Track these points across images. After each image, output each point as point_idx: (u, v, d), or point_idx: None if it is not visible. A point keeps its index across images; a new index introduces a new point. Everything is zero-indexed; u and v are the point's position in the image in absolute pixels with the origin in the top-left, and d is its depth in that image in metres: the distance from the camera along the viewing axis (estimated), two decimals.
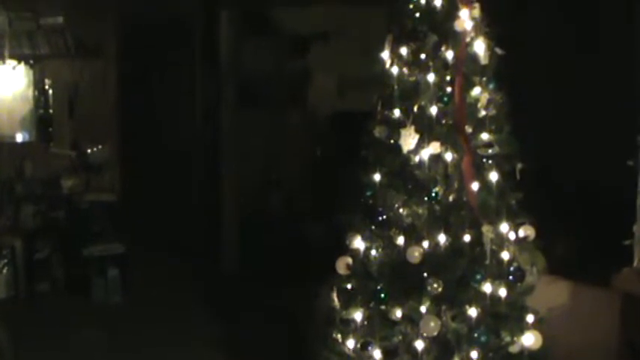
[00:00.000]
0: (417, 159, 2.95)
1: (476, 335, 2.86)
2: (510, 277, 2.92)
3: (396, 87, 3.03)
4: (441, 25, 2.96)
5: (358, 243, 3.07)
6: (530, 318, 2.97)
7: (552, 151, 5.33)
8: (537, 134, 4.55)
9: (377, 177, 3.06)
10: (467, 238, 2.91)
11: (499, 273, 2.90)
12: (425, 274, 2.88)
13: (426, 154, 2.93)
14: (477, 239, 2.89)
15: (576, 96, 5.40)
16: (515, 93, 3.03)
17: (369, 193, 3.07)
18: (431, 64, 2.96)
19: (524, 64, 4.45)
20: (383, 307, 2.96)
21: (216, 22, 6.80)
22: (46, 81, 6.46)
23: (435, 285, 2.83)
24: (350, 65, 6.60)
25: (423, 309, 2.86)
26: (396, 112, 3.02)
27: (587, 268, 4.03)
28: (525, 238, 2.98)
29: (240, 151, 6.94)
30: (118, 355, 5.09)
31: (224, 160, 6.95)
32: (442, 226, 2.91)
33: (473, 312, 2.86)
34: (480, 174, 2.94)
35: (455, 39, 2.93)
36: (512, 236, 2.94)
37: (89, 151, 6.55)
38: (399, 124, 2.98)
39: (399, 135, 2.96)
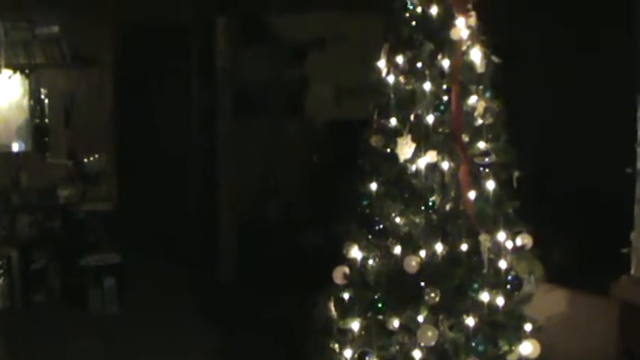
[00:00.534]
0: (413, 168, 2.94)
1: (473, 344, 2.85)
2: (508, 286, 2.91)
3: (392, 96, 3.03)
4: (437, 33, 2.95)
5: (355, 252, 3.06)
6: (528, 327, 2.97)
7: (550, 159, 5.33)
8: (535, 142, 4.55)
9: (374, 186, 3.06)
10: (464, 247, 2.90)
11: (497, 282, 2.89)
12: (422, 284, 2.87)
13: (422, 163, 2.92)
14: (475, 248, 2.89)
15: (574, 103, 5.41)
16: (512, 101, 3.03)
17: (365, 203, 3.07)
18: (427, 72, 2.96)
19: (521, 71, 4.46)
20: (380, 316, 2.95)
21: (213, 30, 6.80)
22: (42, 90, 6.45)
23: (433, 294, 2.82)
24: (347, 73, 6.61)
25: (420, 318, 2.85)
26: (393, 121, 3.02)
27: (585, 276, 4.02)
28: (523, 246, 2.97)
29: (237, 159, 6.93)
30: None
31: (221, 168, 6.94)
32: (439, 235, 2.91)
33: (470, 321, 2.85)
34: (476, 183, 2.93)
35: (451, 47, 2.93)
36: (509, 245, 2.93)
37: (85, 160, 6.53)
38: (396, 133, 2.98)
39: (395, 144, 2.95)
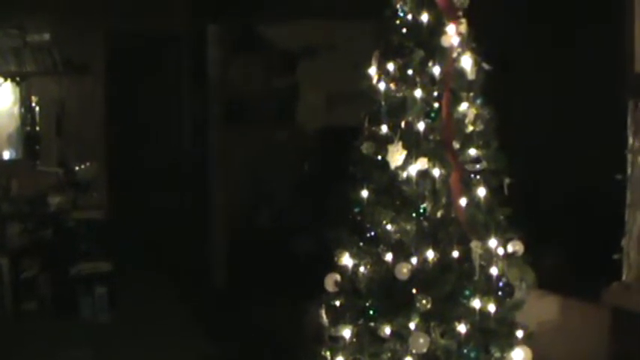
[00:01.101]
0: (404, 175, 2.94)
1: (465, 351, 2.84)
2: (499, 293, 2.91)
3: (383, 103, 3.02)
4: (428, 40, 2.95)
5: (346, 260, 3.05)
6: (519, 333, 2.96)
7: (541, 165, 5.34)
8: (525, 148, 4.56)
9: (364, 193, 3.05)
10: (455, 253, 2.90)
11: (488, 288, 2.89)
12: (414, 291, 2.87)
13: (413, 170, 2.92)
14: (466, 255, 2.88)
15: (564, 110, 5.42)
16: (503, 108, 3.03)
17: (356, 210, 3.06)
18: (418, 79, 2.95)
19: (511, 78, 4.47)
20: (372, 323, 2.94)
21: (204, 39, 6.80)
22: (33, 98, 6.44)
23: (424, 301, 2.82)
24: (338, 81, 6.61)
25: (412, 325, 2.84)
26: (384, 128, 3.01)
27: (577, 282, 4.02)
28: (514, 253, 2.97)
29: (229, 166, 6.92)
30: None
31: (213, 176, 6.93)
32: (430, 242, 2.90)
33: (462, 328, 2.84)
34: (468, 189, 2.93)
35: (442, 54, 2.93)
36: (500, 251, 2.93)
37: (77, 168, 6.52)
38: (387, 140, 2.97)
39: (386, 151, 2.95)
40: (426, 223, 2.92)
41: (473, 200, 2.93)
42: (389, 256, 2.95)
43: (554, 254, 4.55)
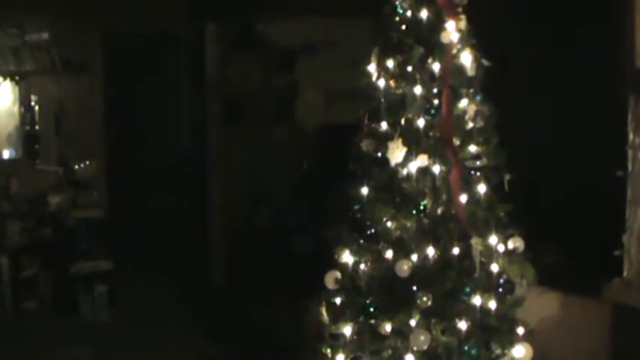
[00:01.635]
0: (404, 172, 2.94)
1: (466, 348, 2.84)
2: (500, 290, 2.90)
3: (382, 100, 3.02)
4: (428, 37, 2.95)
5: (347, 257, 3.05)
6: (520, 330, 2.96)
7: (541, 161, 5.33)
8: (526, 145, 4.55)
9: (364, 190, 3.05)
10: (456, 250, 2.90)
11: (489, 285, 2.88)
12: (414, 288, 2.86)
13: (413, 167, 2.92)
14: (466, 252, 2.88)
15: (565, 105, 5.41)
16: (503, 104, 3.03)
17: (356, 207, 3.06)
18: (417, 76, 2.95)
19: (511, 74, 4.46)
20: (372, 321, 2.94)
21: (203, 37, 6.80)
22: (32, 97, 6.43)
23: (425, 298, 2.82)
24: (337, 78, 6.60)
25: (412, 323, 2.84)
26: (383, 125, 3.01)
27: (578, 279, 4.01)
28: (514, 249, 2.97)
29: (228, 165, 6.92)
30: None
31: (212, 175, 6.93)
32: (431, 239, 2.90)
33: (463, 325, 2.84)
34: (468, 186, 2.93)
35: (441, 51, 2.93)
36: (501, 248, 2.93)
37: (76, 167, 6.51)
38: (387, 137, 2.97)
39: (386, 148, 2.95)
40: (426, 220, 2.92)
41: (473, 197, 2.93)
42: (389, 254, 2.95)
43: (555, 251, 4.54)
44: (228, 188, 6.95)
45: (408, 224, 2.93)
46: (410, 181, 2.92)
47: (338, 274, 3.09)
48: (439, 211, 2.94)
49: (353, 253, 3.04)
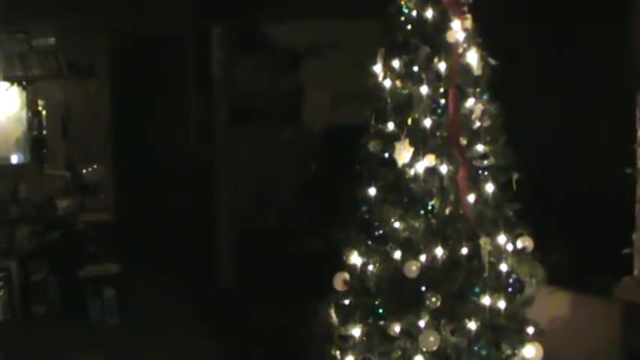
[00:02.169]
0: (412, 172, 2.93)
1: (476, 349, 2.83)
2: (509, 289, 2.89)
3: (389, 100, 3.01)
4: (433, 36, 2.94)
5: (355, 258, 3.04)
6: (530, 330, 2.95)
7: (549, 160, 5.31)
8: (534, 143, 4.54)
9: (372, 191, 3.04)
10: (464, 250, 2.88)
11: (498, 285, 2.87)
12: (423, 289, 2.85)
13: (421, 167, 2.91)
14: (475, 252, 2.87)
15: (573, 103, 5.39)
16: (510, 102, 3.01)
17: (364, 208, 3.05)
18: (424, 76, 2.94)
19: (518, 72, 4.44)
20: (381, 322, 2.93)
21: (208, 40, 6.80)
22: (40, 102, 6.45)
23: (434, 299, 2.81)
24: (343, 79, 6.59)
25: (421, 323, 2.83)
26: (390, 126, 3.00)
27: (587, 278, 4.00)
28: (524, 249, 2.95)
29: (235, 167, 6.92)
30: None
31: (219, 177, 6.93)
32: (439, 240, 2.89)
33: (472, 325, 2.83)
34: (475, 186, 2.92)
35: (447, 50, 2.92)
36: (510, 248, 2.91)
37: (84, 171, 6.53)
38: (393, 138, 2.96)
39: (393, 148, 2.93)
40: (434, 221, 2.91)
41: (481, 196, 2.92)
42: (397, 254, 2.94)
43: (565, 250, 4.52)
44: (235, 190, 6.95)
45: (416, 225, 2.92)
46: (417, 182, 2.91)
47: (346, 276, 3.08)
48: (447, 211, 2.92)
49: (361, 254, 3.03)
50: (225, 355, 5.28)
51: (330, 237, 3.20)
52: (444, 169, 2.91)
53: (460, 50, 2.92)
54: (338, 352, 3.04)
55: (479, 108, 2.96)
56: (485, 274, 2.85)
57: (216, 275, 6.88)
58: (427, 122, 2.92)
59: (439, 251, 2.88)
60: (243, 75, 7.08)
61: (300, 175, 7.16)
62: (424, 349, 2.81)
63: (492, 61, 2.99)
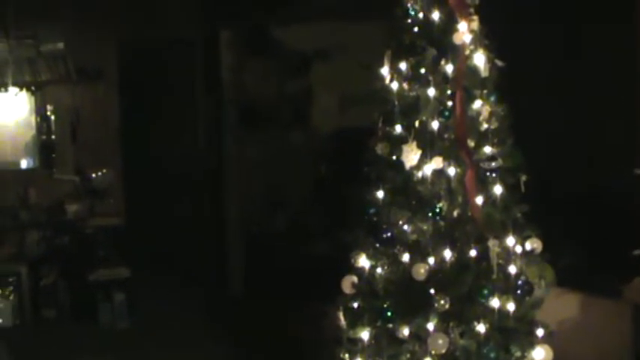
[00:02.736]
0: (419, 175, 2.92)
1: (485, 351, 2.82)
2: (518, 291, 2.89)
3: (396, 103, 3.01)
4: (440, 38, 2.94)
5: (363, 261, 3.04)
6: (539, 332, 2.94)
7: (558, 161, 5.30)
8: (542, 144, 4.53)
9: (380, 194, 3.04)
10: (473, 253, 2.88)
11: (507, 287, 2.87)
12: (431, 291, 2.85)
13: (428, 169, 2.90)
14: (483, 254, 2.86)
15: (581, 104, 5.38)
16: (517, 104, 3.01)
17: (372, 211, 3.05)
18: (431, 78, 2.94)
19: (525, 74, 4.43)
20: (390, 325, 2.93)
21: (217, 44, 6.81)
22: (48, 107, 6.48)
23: (442, 301, 2.80)
24: (351, 82, 6.59)
25: (430, 326, 2.82)
26: (398, 128, 3.00)
27: (597, 279, 3.98)
28: (532, 250, 2.95)
29: (244, 171, 6.92)
30: None
31: (228, 181, 6.94)
32: (447, 242, 2.89)
33: (481, 328, 2.82)
34: (483, 188, 2.91)
35: (454, 52, 2.91)
36: (519, 250, 2.91)
37: (93, 175, 6.54)
38: (401, 140, 2.96)
39: (400, 151, 2.93)
40: (442, 223, 2.91)
41: (489, 198, 2.91)
42: (406, 257, 2.94)
43: (574, 251, 4.51)
44: (245, 194, 6.95)
45: (424, 227, 2.92)
46: (425, 184, 2.91)
47: (355, 279, 3.08)
48: (455, 213, 2.92)
49: (369, 257, 3.03)
50: (234, 359, 5.28)
51: (339, 240, 3.20)
52: (451, 171, 2.91)
53: (467, 52, 2.92)
54: (347, 355, 3.03)
55: (486, 110, 2.95)
56: (494, 276, 2.85)
57: (227, 279, 6.87)
58: (434, 124, 2.92)
59: (447, 253, 2.87)
60: (252, 78, 7.08)
61: (308, 177, 7.15)
62: (433, 352, 2.80)
63: (499, 63, 2.98)
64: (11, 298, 6.08)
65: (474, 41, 2.93)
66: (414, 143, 2.91)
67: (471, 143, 2.92)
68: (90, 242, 6.31)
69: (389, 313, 2.93)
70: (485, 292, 2.84)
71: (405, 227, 2.95)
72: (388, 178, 3.03)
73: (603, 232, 4.72)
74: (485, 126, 2.96)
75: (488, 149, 2.94)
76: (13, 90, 6.32)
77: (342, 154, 6.62)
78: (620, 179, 3.65)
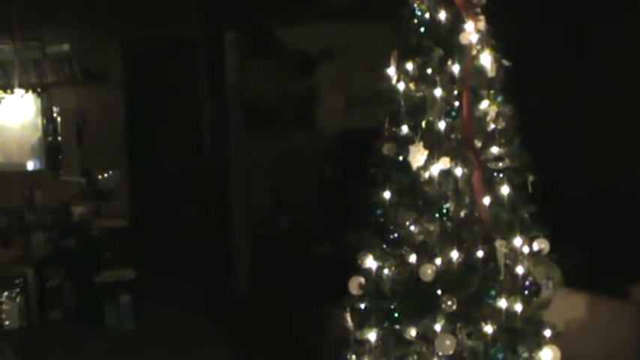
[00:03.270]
0: (426, 175, 2.92)
1: (492, 352, 2.81)
2: (526, 292, 2.87)
3: (402, 103, 3.00)
4: (446, 38, 2.93)
5: (370, 262, 3.03)
6: (547, 333, 2.93)
7: (564, 162, 5.29)
8: (549, 144, 4.51)
9: (387, 195, 3.03)
10: (480, 253, 2.87)
11: (514, 288, 2.85)
12: (439, 292, 2.84)
13: (435, 170, 2.89)
14: (491, 254, 2.85)
15: (587, 104, 5.37)
16: (524, 104, 3.00)
17: (379, 212, 3.04)
18: (437, 78, 2.93)
19: (532, 73, 4.42)
20: (397, 326, 2.92)
21: (221, 44, 6.81)
22: (54, 109, 6.50)
23: (450, 302, 2.79)
24: (356, 83, 6.58)
25: (437, 327, 2.81)
26: (404, 129, 2.99)
27: (605, 279, 3.97)
28: (540, 251, 2.94)
29: (249, 173, 6.92)
30: None
31: (233, 182, 6.93)
32: (454, 243, 2.87)
33: (489, 329, 2.81)
34: (490, 188, 2.90)
35: (461, 52, 2.90)
36: (526, 250, 2.90)
37: (99, 177, 6.55)
38: (408, 141, 2.95)
39: (407, 151, 2.93)
40: (449, 224, 2.90)
41: (496, 199, 2.90)
42: (413, 258, 2.93)
43: (582, 251, 4.49)
44: (250, 195, 6.95)
45: (432, 228, 2.91)
46: (432, 185, 2.90)
47: (362, 280, 3.07)
48: (462, 213, 2.91)
49: (376, 258, 3.02)
50: None
51: (345, 241, 3.20)
52: (458, 171, 2.90)
53: (474, 52, 2.91)
54: (354, 357, 3.03)
55: (493, 110, 2.94)
56: (501, 277, 2.84)
57: (232, 280, 6.87)
58: (441, 125, 2.91)
59: (454, 254, 2.86)
60: (257, 79, 7.08)
61: (314, 178, 7.14)
62: (440, 353, 2.79)
63: (506, 63, 2.97)
64: (18, 299, 6.09)
65: (480, 41, 2.92)
66: (421, 144, 2.90)
67: (478, 143, 2.91)
68: (96, 244, 6.32)
69: (396, 314, 2.92)
70: (493, 292, 2.83)
71: (412, 228, 2.95)
72: (395, 178, 3.02)
73: (610, 233, 4.71)
74: (492, 126, 2.95)
75: (495, 149, 2.93)
76: (19, 92, 6.33)
77: (348, 154, 6.62)
78: (628, 179, 3.64)
